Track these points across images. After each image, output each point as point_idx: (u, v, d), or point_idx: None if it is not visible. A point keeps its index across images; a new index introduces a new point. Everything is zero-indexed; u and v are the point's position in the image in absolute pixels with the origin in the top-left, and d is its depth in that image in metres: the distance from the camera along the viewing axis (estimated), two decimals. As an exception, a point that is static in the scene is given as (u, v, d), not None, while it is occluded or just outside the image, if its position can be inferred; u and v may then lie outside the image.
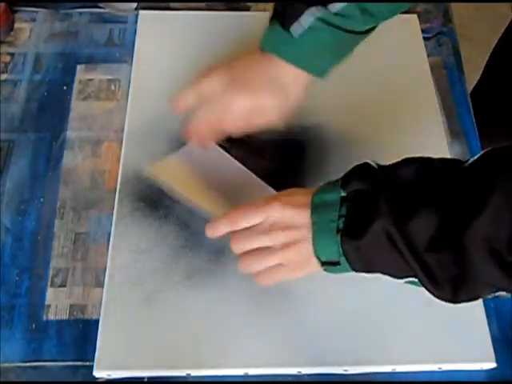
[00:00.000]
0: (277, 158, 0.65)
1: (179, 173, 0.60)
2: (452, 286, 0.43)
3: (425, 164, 0.45)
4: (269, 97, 0.57)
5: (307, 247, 0.48)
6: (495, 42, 0.87)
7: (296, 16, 0.54)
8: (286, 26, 0.55)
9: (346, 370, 0.55)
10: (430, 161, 0.45)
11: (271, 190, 0.58)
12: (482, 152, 0.44)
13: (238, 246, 0.51)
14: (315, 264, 0.48)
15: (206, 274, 0.58)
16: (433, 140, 0.67)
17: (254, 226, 0.50)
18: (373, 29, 0.57)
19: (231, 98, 0.57)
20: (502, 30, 0.86)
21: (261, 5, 0.79)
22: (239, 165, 0.61)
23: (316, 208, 0.48)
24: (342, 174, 0.48)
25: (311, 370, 0.55)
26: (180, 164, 0.61)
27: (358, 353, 0.55)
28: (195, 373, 0.54)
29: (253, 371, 0.54)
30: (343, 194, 0.47)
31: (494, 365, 0.55)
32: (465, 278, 0.42)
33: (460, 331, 0.56)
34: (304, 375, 0.55)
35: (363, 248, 0.45)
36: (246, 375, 0.54)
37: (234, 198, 0.57)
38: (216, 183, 0.59)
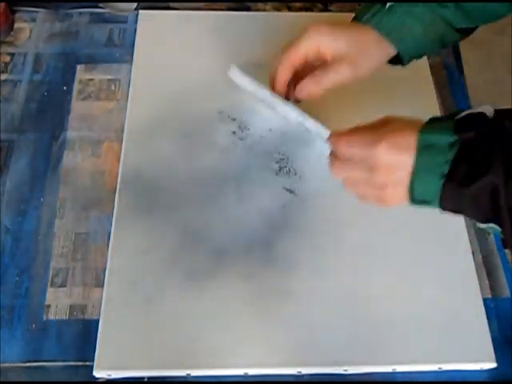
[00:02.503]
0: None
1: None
2: None
3: None
4: (345, 44, 0.58)
5: (403, 189, 0.49)
6: (495, 42, 0.87)
7: None
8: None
9: (345, 370, 0.55)
10: None
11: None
12: None
13: (338, 175, 0.54)
14: (403, 199, 0.50)
15: (205, 274, 0.58)
16: (433, 140, 0.67)
17: (355, 157, 0.52)
18: (469, 33, 0.60)
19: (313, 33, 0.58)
20: (502, 30, 0.86)
21: (261, 5, 0.79)
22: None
23: (423, 150, 0.47)
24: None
25: (311, 369, 0.55)
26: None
27: (357, 353, 0.55)
28: (195, 373, 0.54)
29: (253, 371, 0.54)
30: (454, 138, 0.46)
31: (494, 365, 0.55)
32: None
33: (460, 331, 0.56)
34: (304, 375, 0.55)
35: (464, 196, 0.45)
36: (246, 375, 0.54)
37: None
38: None
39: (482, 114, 0.47)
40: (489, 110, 0.47)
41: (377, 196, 0.52)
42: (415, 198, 0.49)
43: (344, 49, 0.58)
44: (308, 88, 0.59)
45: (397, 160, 0.48)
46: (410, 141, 0.48)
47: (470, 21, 0.59)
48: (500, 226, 0.45)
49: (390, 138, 0.49)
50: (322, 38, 0.58)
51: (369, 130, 0.51)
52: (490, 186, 0.44)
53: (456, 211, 0.48)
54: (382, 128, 0.50)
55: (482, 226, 0.48)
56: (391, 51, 0.59)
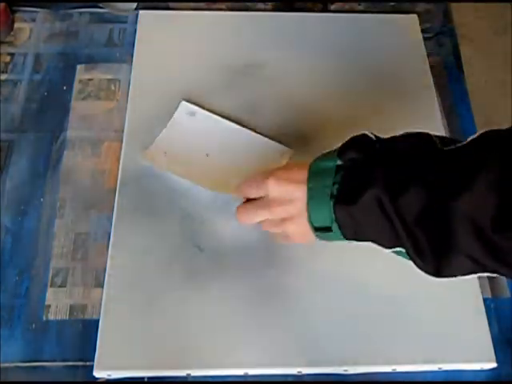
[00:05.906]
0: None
1: (174, 151, 0.63)
2: (436, 259, 0.44)
3: (422, 139, 0.47)
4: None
5: (303, 220, 0.50)
6: (495, 42, 0.87)
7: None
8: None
9: (346, 370, 0.55)
10: (427, 136, 0.47)
11: (280, 146, 0.62)
12: (478, 132, 0.44)
13: (243, 219, 0.56)
14: (306, 232, 0.51)
15: (205, 274, 0.58)
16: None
17: (257, 199, 0.54)
18: None
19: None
20: (503, 30, 0.86)
21: (261, 5, 0.79)
22: (237, 126, 0.62)
23: (312, 176, 0.49)
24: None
25: (311, 369, 0.55)
26: (173, 140, 0.63)
27: (357, 353, 0.55)
28: (195, 373, 0.54)
29: (253, 371, 0.54)
30: (339, 162, 0.48)
31: (494, 365, 0.55)
32: (448, 251, 0.43)
33: (460, 331, 0.56)
34: (304, 375, 0.55)
35: (355, 214, 0.46)
36: (246, 375, 0.54)
37: (241, 160, 0.61)
38: (217, 149, 0.63)
39: (364, 136, 0.49)
40: (370, 134, 0.49)
41: (281, 232, 0.54)
42: (315, 226, 0.49)
43: None
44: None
45: (288, 191, 0.50)
46: (301, 174, 0.50)
47: None
48: (402, 246, 0.46)
49: (279, 173, 0.52)
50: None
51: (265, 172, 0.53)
52: (375, 198, 0.45)
53: (359, 236, 0.48)
54: (271, 172, 0.53)
55: (391, 252, 0.48)
56: None
